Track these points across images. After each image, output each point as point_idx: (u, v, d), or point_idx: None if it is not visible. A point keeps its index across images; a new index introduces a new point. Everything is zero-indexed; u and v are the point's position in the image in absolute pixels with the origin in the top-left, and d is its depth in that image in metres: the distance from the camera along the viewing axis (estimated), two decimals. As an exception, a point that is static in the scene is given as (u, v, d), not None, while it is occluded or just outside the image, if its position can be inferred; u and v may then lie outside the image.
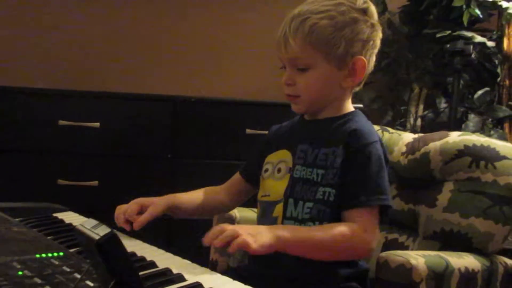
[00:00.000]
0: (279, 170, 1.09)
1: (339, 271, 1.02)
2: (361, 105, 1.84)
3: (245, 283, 0.79)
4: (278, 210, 1.05)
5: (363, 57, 1.03)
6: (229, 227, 0.88)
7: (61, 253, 0.85)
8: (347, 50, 1.01)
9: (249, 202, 1.25)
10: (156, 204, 1.07)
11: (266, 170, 1.13)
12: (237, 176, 1.22)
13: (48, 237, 0.97)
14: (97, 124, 1.94)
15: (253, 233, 0.88)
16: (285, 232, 0.93)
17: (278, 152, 1.12)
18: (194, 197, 1.18)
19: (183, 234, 1.72)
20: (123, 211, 1.06)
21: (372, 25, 1.05)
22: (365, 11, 1.03)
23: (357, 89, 1.11)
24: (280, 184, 1.07)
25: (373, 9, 1.05)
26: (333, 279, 1.02)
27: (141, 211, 1.06)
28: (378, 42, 1.07)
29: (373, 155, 1.00)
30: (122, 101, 2.00)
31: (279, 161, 1.10)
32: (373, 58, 1.08)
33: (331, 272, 1.02)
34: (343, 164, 1.01)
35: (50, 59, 2.29)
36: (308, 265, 0.99)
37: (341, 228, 0.97)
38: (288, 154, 1.09)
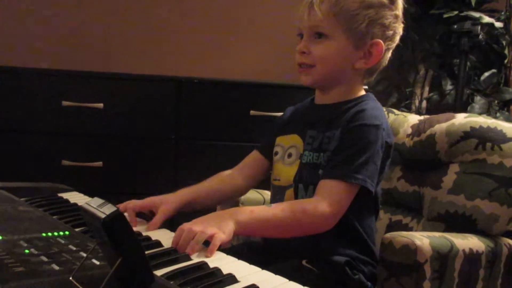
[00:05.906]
0: (289, 155, 1.09)
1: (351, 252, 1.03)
2: (365, 87, 1.82)
3: (250, 261, 0.79)
4: (289, 195, 1.06)
5: (382, 42, 1.02)
6: (186, 227, 0.85)
7: (67, 232, 0.85)
8: (368, 30, 1.01)
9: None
10: (168, 202, 1.03)
11: (276, 153, 1.12)
12: (254, 155, 1.19)
13: (54, 217, 0.97)
14: (101, 105, 1.93)
15: (216, 224, 0.86)
16: (244, 215, 0.91)
17: (289, 136, 1.11)
18: (208, 187, 1.13)
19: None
20: (132, 206, 1.03)
21: (396, 16, 1.04)
22: (392, 1, 1.03)
23: (370, 78, 1.10)
24: (290, 169, 1.07)
25: (400, 2, 1.05)
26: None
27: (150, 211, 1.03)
28: (397, 38, 1.06)
29: (366, 138, 0.98)
30: (125, 81, 1.99)
31: (290, 146, 1.10)
32: (389, 53, 1.06)
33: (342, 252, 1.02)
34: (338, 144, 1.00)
35: (53, 39, 2.27)
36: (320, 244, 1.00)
37: (303, 205, 0.96)
38: (299, 139, 1.08)
